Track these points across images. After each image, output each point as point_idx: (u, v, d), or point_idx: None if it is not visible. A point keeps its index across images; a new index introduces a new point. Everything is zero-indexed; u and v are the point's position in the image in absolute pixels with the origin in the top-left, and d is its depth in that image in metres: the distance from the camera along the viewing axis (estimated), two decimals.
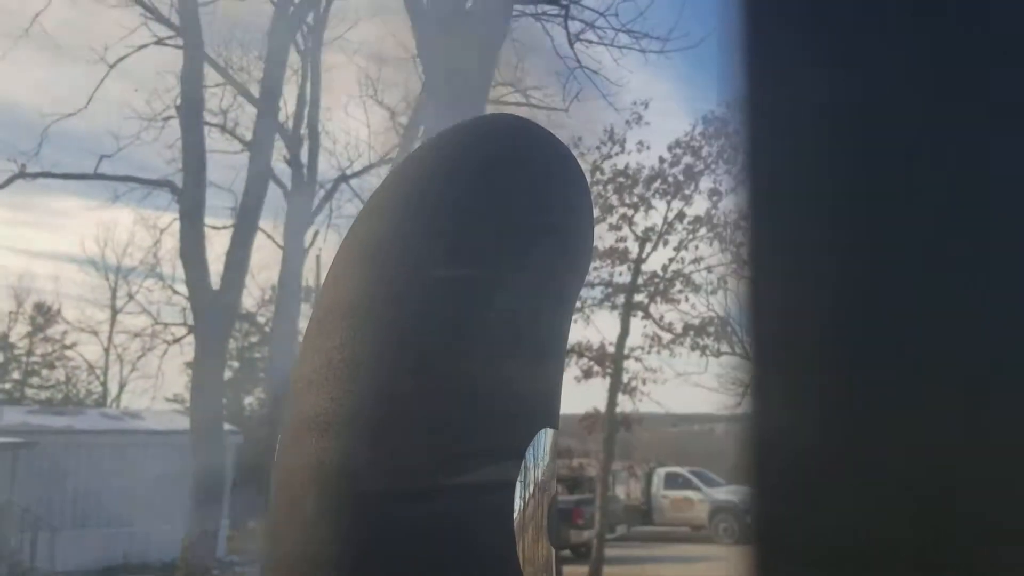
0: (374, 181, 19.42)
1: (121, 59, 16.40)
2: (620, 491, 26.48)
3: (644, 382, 22.96)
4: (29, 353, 38.18)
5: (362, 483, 0.62)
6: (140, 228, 40.06)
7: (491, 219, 0.73)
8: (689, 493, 25.95)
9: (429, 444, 0.64)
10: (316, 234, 19.31)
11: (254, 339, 32.57)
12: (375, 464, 0.63)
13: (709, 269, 23.29)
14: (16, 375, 37.98)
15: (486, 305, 0.70)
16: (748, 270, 0.43)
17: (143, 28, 16.41)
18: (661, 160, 21.99)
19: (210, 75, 16.85)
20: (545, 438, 0.70)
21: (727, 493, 25.53)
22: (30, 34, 15.97)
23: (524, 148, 0.79)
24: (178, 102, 15.21)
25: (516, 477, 0.67)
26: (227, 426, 17.61)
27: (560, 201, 0.79)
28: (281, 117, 17.74)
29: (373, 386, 0.65)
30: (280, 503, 0.67)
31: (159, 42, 16.71)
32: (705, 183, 22.19)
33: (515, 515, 0.66)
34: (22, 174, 15.19)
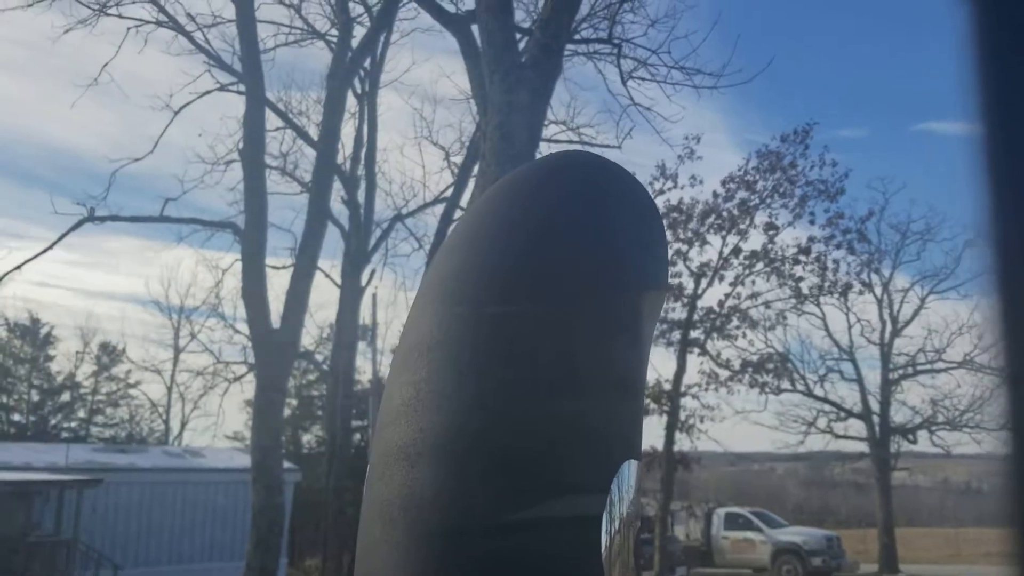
0: (430, 220, 19.63)
1: (185, 105, 16.99)
2: (679, 531, 25.97)
3: (701, 420, 22.63)
4: (94, 392, 39.14)
5: (453, 516, 0.63)
6: (203, 269, 41.20)
7: (566, 255, 0.74)
8: (750, 534, 25.33)
9: (515, 476, 0.65)
10: (372, 273, 19.57)
11: (312, 377, 32.96)
12: (465, 496, 0.63)
13: (767, 304, 22.92)
14: (82, 413, 38.92)
15: (563, 340, 0.70)
16: (1006, 311, 0.42)
17: (206, 75, 16.99)
18: (715, 195, 21.83)
19: (271, 119, 17.32)
20: (629, 471, 0.70)
21: (790, 534, 24.86)
22: (99, 83, 16.61)
23: (598, 184, 0.80)
24: (240, 146, 15.61)
25: (601, 511, 0.66)
26: (286, 464, 17.76)
27: (634, 236, 0.79)
28: (339, 159, 18.11)
29: (459, 419, 0.66)
30: (370, 530, 0.67)
31: (222, 88, 17.28)
32: (760, 217, 21.93)
33: (602, 550, 0.66)
34: (90, 217, 15.69)
